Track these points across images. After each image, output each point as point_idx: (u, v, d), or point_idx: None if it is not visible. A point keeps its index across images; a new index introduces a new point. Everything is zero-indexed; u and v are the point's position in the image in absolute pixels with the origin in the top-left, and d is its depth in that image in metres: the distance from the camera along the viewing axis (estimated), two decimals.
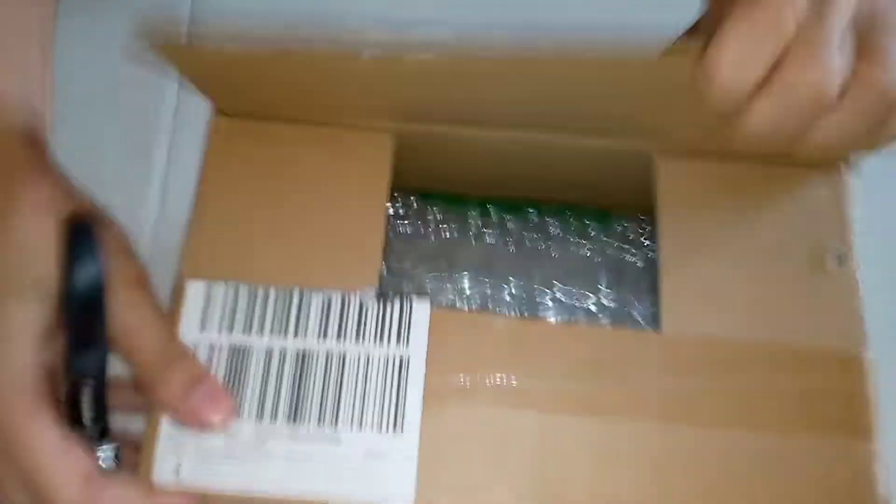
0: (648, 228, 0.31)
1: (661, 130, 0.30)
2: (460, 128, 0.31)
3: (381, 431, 0.25)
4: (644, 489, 0.25)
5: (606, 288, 0.29)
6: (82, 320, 0.21)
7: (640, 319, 0.29)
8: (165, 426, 0.25)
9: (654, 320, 0.28)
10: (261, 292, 0.27)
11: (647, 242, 0.31)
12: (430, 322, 0.27)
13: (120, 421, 0.27)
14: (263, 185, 0.29)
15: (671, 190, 0.30)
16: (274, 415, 0.25)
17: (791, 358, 0.26)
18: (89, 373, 0.22)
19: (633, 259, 0.30)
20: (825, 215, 0.29)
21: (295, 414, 0.26)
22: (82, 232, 0.20)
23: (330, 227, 0.29)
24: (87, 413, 0.23)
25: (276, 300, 0.27)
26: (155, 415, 0.25)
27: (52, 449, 0.23)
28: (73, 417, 0.24)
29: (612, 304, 0.29)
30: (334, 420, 0.25)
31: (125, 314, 0.24)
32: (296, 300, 0.27)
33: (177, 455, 0.25)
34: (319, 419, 0.25)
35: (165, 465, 0.25)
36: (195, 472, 0.25)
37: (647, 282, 0.30)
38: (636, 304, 0.29)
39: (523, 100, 0.29)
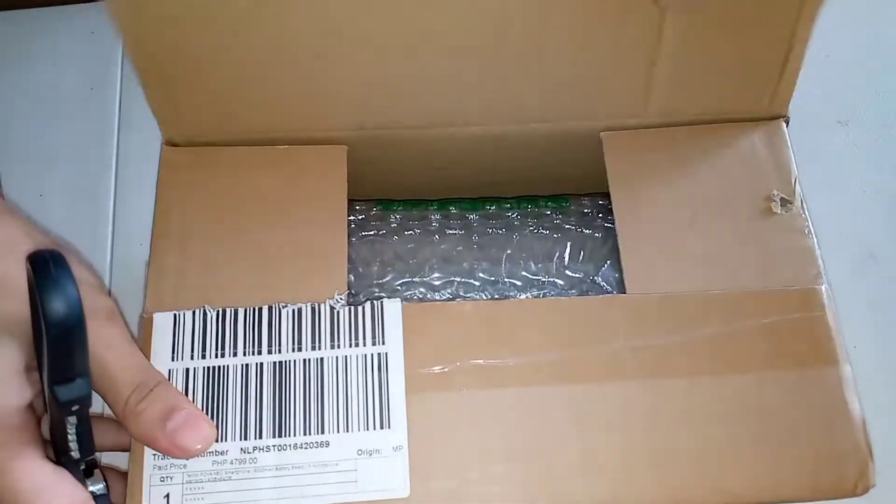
0: (602, 203, 0.32)
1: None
2: (411, 129, 0.31)
3: (368, 429, 0.25)
4: (633, 448, 0.26)
5: (570, 261, 0.30)
6: (63, 349, 0.20)
7: (605, 286, 0.29)
8: (150, 457, 0.25)
9: (619, 285, 0.28)
10: (230, 314, 0.27)
11: (601, 215, 0.32)
12: (402, 317, 0.27)
13: (105, 457, 0.27)
14: (220, 209, 0.29)
15: (619, 161, 0.31)
16: (259, 431, 0.25)
17: (752, 301, 0.27)
18: (75, 402, 0.22)
19: (592, 231, 0.31)
20: (765, 165, 0.30)
21: (280, 427, 0.25)
22: (54, 262, 0.20)
23: (292, 243, 0.29)
24: (73, 445, 0.23)
25: (245, 319, 0.27)
26: (139, 447, 0.25)
27: (46, 484, 0.22)
28: (60, 450, 0.23)
29: (577, 275, 0.29)
30: (320, 426, 0.25)
31: (98, 349, 0.24)
32: (266, 316, 0.27)
33: (165, 484, 0.25)
34: (305, 428, 0.25)
35: (154, 496, 0.24)
36: (185, 499, 0.25)
37: (608, 250, 0.30)
38: (600, 272, 0.30)
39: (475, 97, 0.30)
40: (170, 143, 0.31)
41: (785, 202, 0.29)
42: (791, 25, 0.28)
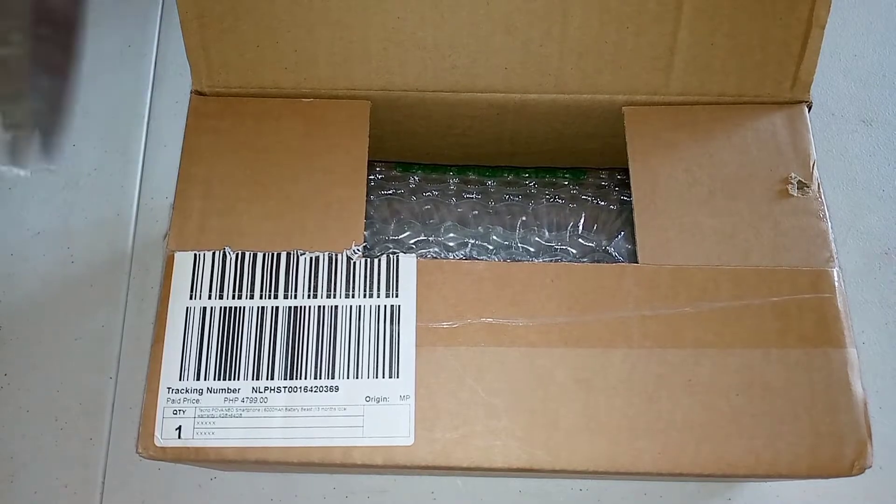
0: (619, 177, 0.33)
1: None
2: (434, 92, 0.32)
3: (377, 377, 0.26)
4: (634, 413, 0.26)
5: (584, 230, 0.30)
6: None
7: (618, 256, 0.30)
8: (164, 390, 0.26)
9: (632, 256, 0.29)
10: (248, 257, 0.28)
11: (618, 188, 0.32)
12: (416, 272, 0.27)
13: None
14: (244, 157, 0.30)
15: (640, 135, 0.31)
16: (270, 372, 0.26)
17: (763, 279, 0.28)
18: None
19: (607, 204, 0.31)
20: (785, 148, 0.31)
21: (292, 369, 0.26)
22: None
23: (313, 193, 0.29)
24: None
25: (264, 263, 0.28)
26: (153, 381, 0.26)
27: None
28: None
29: (590, 244, 0.30)
30: (331, 372, 0.26)
31: None
32: (284, 262, 0.28)
33: (177, 417, 0.25)
34: (316, 372, 0.26)
35: (167, 428, 0.25)
36: (196, 433, 0.25)
37: (622, 222, 0.31)
38: (613, 242, 0.30)
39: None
40: (198, 92, 0.31)
41: (802, 185, 0.30)
42: (808, 4, 0.29)
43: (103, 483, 0.37)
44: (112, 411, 0.38)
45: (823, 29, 0.29)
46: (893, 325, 0.40)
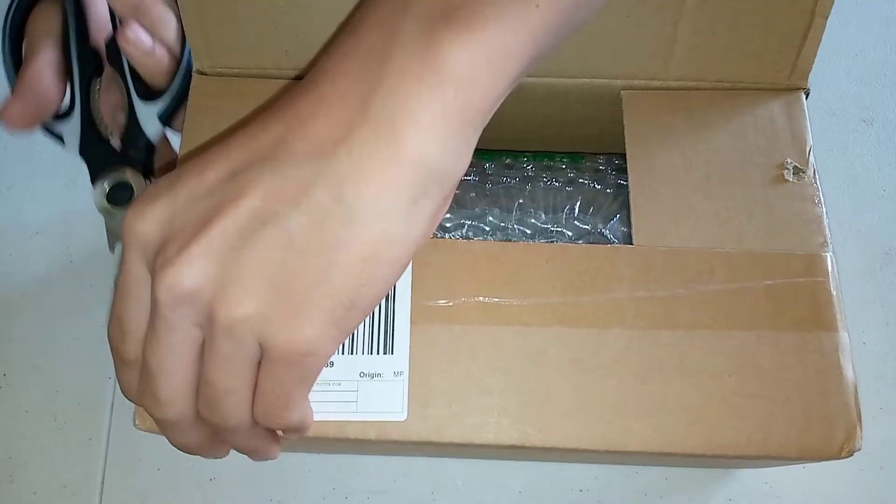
0: (617, 162, 0.33)
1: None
2: None
3: (371, 353, 0.26)
4: (627, 393, 0.26)
5: (580, 213, 0.31)
6: None
7: (613, 239, 0.30)
8: None
9: (627, 239, 0.29)
10: None
11: (615, 173, 0.32)
12: None
13: None
14: None
15: (638, 120, 0.31)
16: None
17: (757, 262, 0.28)
18: None
19: (604, 187, 0.31)
20: (782, 134, 0.31)
21: None
22: None
23: None
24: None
25: None
26: None
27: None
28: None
29: (585, 227, 0.30)
30: None
31: None
32: None
33: None
34: None
35: None
36: None
37: (618, 206, 0.31)
38: (609, 225, 0.30)
39: None
40: (200, 72, 0.32)
41: (798, 171, 0.30)
42: None
43: (103, 483, 0.37)
44: (112, 411, 0.38)
45: (826, 19, 0.30)
46: (894, 325, 0.40)
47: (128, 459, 0.37)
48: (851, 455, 0.26)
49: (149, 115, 0.29)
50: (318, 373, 0.21)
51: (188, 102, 0.31)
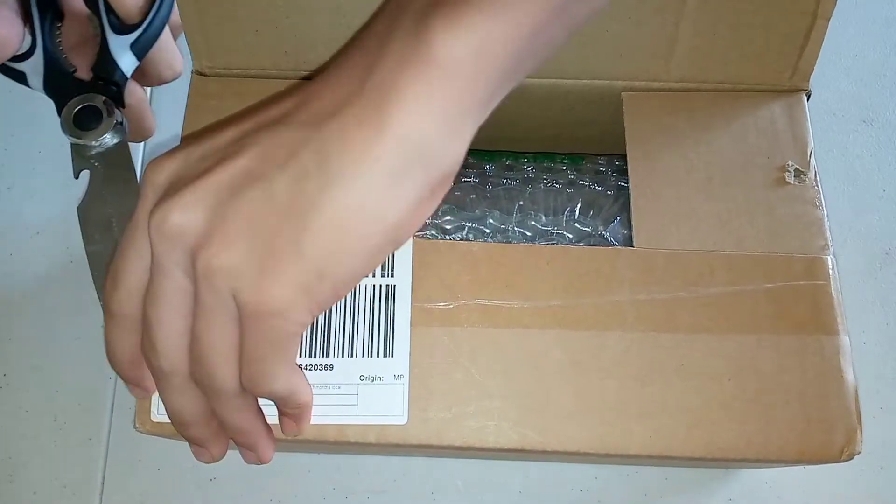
0: (618, 164, 0.33)
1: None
2: None
3: (371, 357, 0.26)
4: (626, 396, 0.26)
5: (581, 215, 0.30)
6: None
7: (613, 241, 0.30)
8: None
9: (628, 241, 0.29)
10: None
11: (615, 174, 0.32)
12: (413, 252, 0.28)
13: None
14: None
15: (638, 121, 0.31)
16: None
17: (758, 265, 0.28)
18: None
19: (605, 189, 0.31)
20: (783, 136, 0.31)
21: None
22: None
23: None
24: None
25: None
26: None
27: None
28: None
29: (586, 229, 0.30)
30: (325, 350, 0.26)
31: None
32: None
33: None
34: (311, 350, 0.26)
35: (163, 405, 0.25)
36: None
37: (619, 208, 0.31)
38: (609, 227, 0.30)
39: None
40: (199, 72, 0.32)
41: (799, 173, 0.30)
42: None
43: (103, 483, 0.37)
44: (111, 411, 0.38)
45: (828, 21, 0.29)
46: (894, 325, 0.40)
47: (128, 459, 0.37)
48: (851, 458, 0.26)
49: (121, 46, 0.29)
50: (292, 341, 0.22)
51: (187, 102, 0.31)
